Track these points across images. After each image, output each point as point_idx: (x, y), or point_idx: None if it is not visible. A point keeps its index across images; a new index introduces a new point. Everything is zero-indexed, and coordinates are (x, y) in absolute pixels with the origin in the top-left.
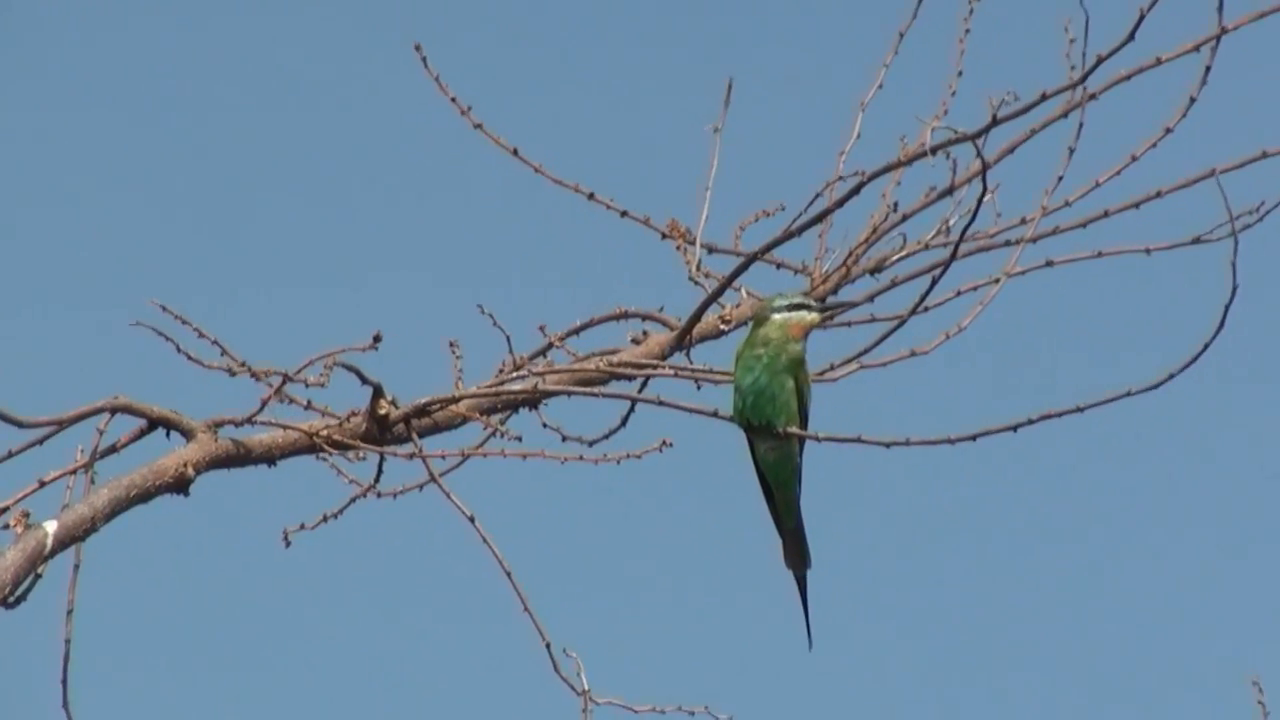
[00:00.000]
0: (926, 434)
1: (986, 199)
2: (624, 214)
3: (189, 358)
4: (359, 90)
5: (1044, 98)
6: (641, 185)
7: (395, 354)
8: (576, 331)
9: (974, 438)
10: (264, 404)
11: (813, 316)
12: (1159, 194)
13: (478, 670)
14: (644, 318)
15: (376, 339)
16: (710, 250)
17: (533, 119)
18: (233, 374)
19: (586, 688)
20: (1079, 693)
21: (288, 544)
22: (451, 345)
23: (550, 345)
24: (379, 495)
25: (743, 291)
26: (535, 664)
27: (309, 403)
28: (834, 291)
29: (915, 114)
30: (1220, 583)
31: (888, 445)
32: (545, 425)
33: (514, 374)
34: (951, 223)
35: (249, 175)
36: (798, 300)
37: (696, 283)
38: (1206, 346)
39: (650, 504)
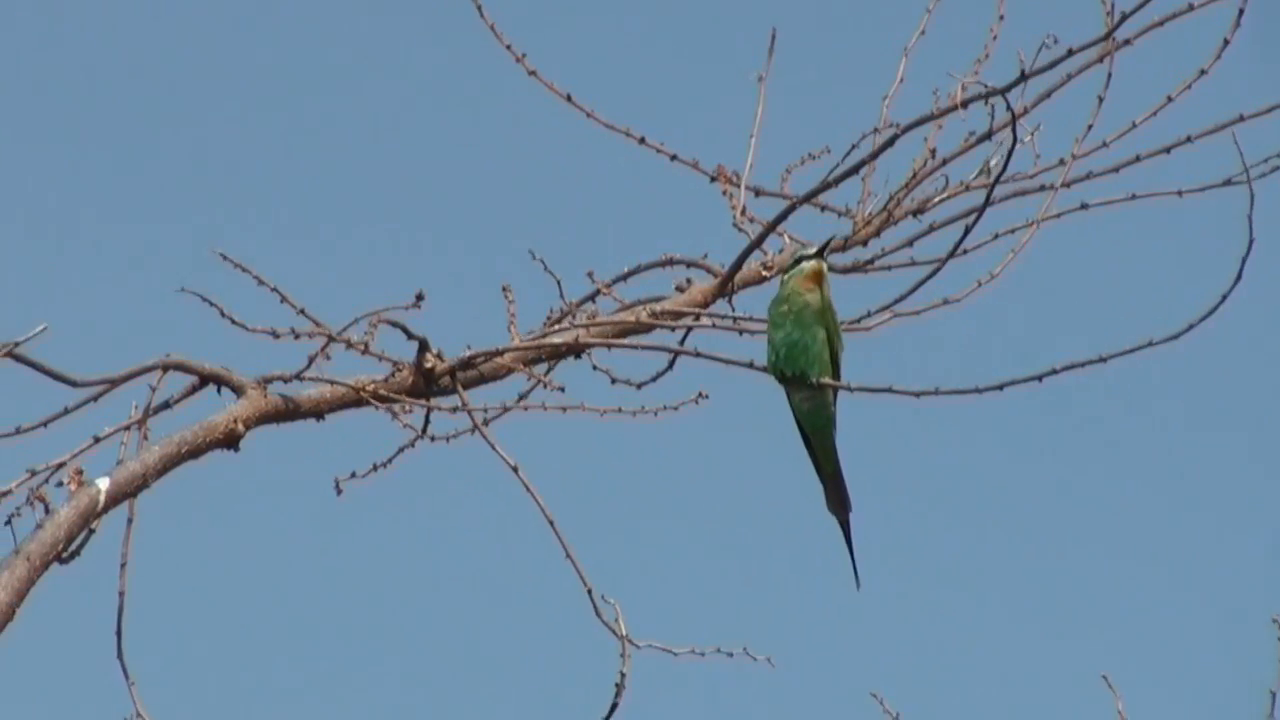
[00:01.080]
0: (957, 384)
1: (1028, 141)
2: (674, 158)
3: (232, 321)
4: (405, 41)
5: (1070, 53)
6: (688, 136)
7: (448, 298)
8: (624, 278)
9: (1000, 388)
10: (311, 360)
11: (811, 265)
12: (1189, 139)
13: (522, 616)
14: (689, 265)
15: (419, 297)
16: (758, 193)
17: (576, 68)
18: (277, 337)
19: (625, 633)
20: (1106, 630)
21: (340, 492)
22: (504, 290)
23: (598, 292)
24: (432, 439)
25: (785, 238)
26: (578, 609)
27: (366, 347)
28: (877, 234)
29: (955, 65)
30: (1244, 522)
31: (918, 395)
32: (595, 368)
33: (557, 326)
34: (993, 164)
35: (301, 121)
36: (800, 254)
37: (740, 229)
38: (1224, 298)
39: (694, 450)
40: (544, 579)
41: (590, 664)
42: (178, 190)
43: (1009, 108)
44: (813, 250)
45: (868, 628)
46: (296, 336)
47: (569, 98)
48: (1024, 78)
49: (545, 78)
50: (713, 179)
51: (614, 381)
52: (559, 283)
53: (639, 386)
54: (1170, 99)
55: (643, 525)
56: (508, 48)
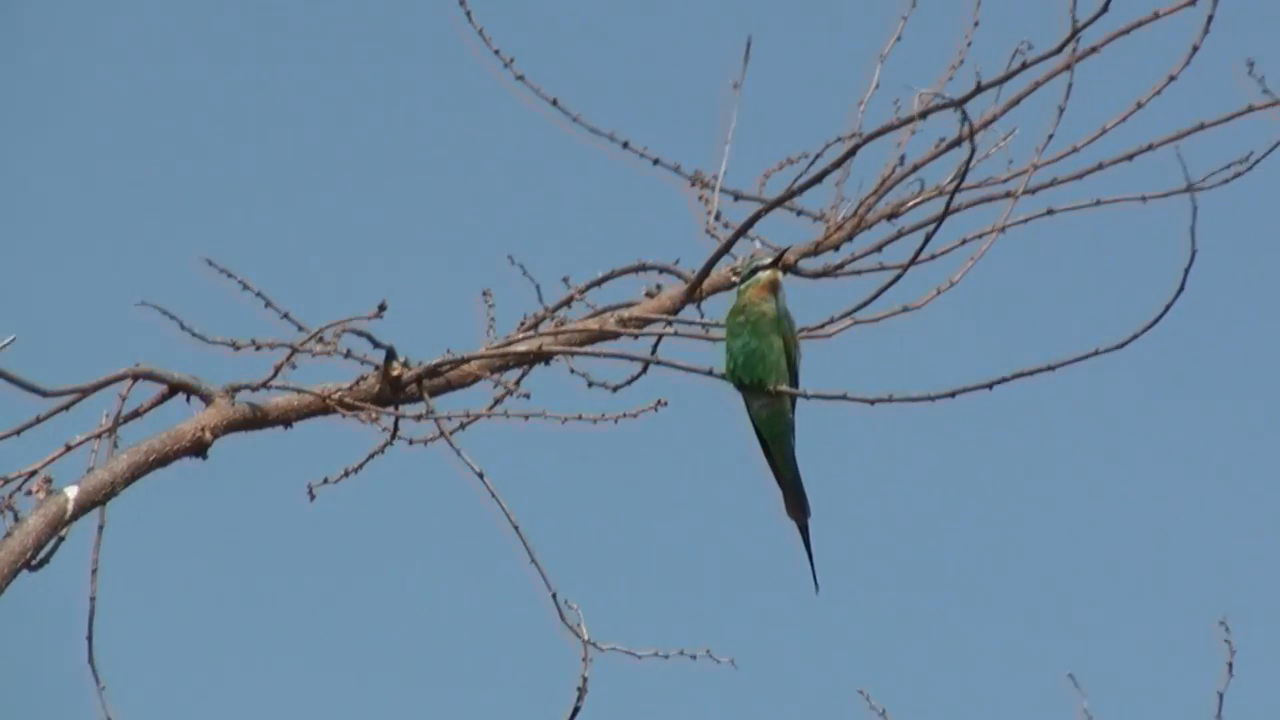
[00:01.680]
0: (919, 389)
1: (1002, 145)
2: (656, 162)
3: (192, 334)
4: (393, 44)
5: (1025, 65)
6: (669, 144)
7: (426, 301)
8: (598, 283)
9: (953, 395)
10: (277, 370)
11: (766, 275)
12: (1150, 147)
13: (490, 621)
14: (661, 270)
15: (382, 307)
16: (736, 197)
17: (552, 76)
18: (237, 349)
19: (588, 636)
20: (1056, 633)
21: (313, 496)
22: (485, 294)
23: (571, 298)
24: (410, 442)
25: (757, 242)
26: (545, 614)
27: (348, 352)
28: (849, 239)
29: (931, 69)
30: (1189, 525)
31: (872, 402)
32: (573, 371)
33: (529, 331)
34: (971, 165)
35: (287, 124)
36: (756, 264)
37: (713, 235)
38: (1168, 308)
39: (658, 456)
40: (511, 584)
41: (556, 668)
42: (149, 197)
43: (966, 119)
44: (768, 260)
45: (827, 630)
46: (257, 348)
47: (554, 102)
48: (980, 89)
49: (532, 82)
50: (692, 182)
51: (590, 385)
52: (538, 287)
53: (614, 389)
54: (1140, 104)
55: (608, 530)
56: (496, 53)
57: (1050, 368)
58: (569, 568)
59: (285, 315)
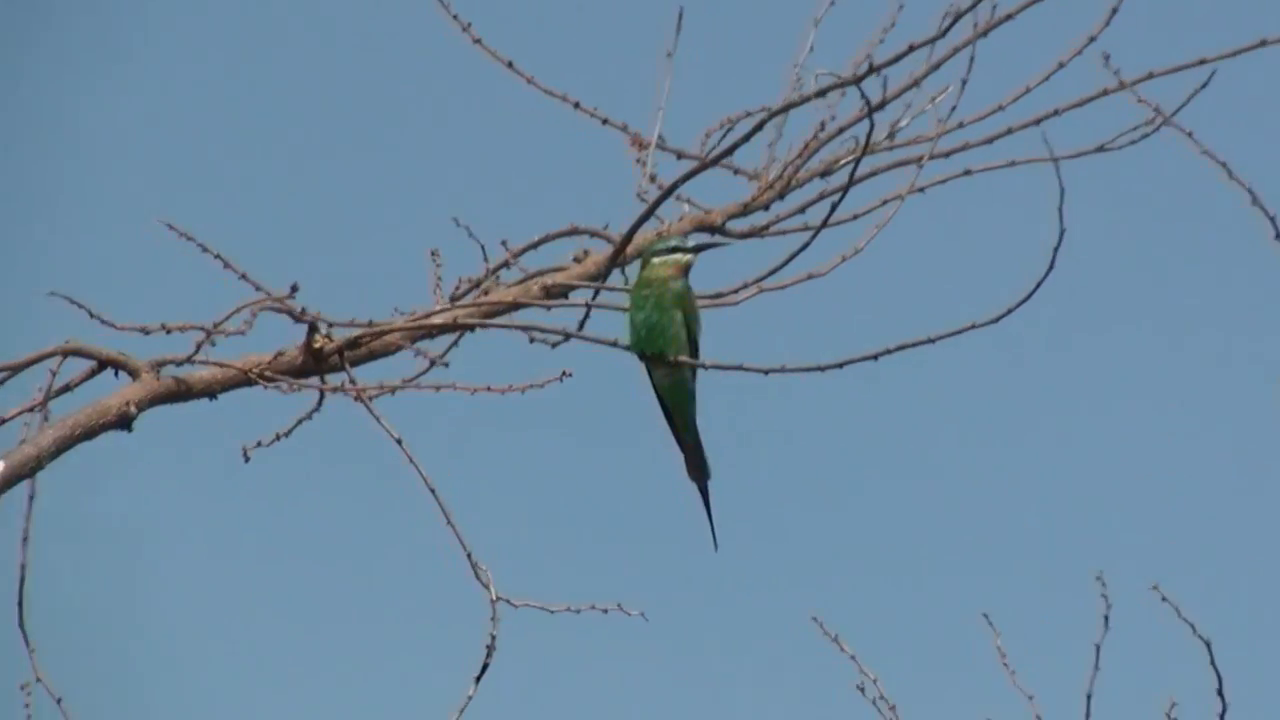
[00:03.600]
0: (803, 361)
1: (930, 107)
2: (605, 121)
3: (101, 321)
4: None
5: (911, 48)
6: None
7: (376, 260)
8: (533, 246)
9: (841, 365)
10: (199, 347)
11: (686, 257)
12: (1056, 112)
13: (407, 582)
14: (592, 234)
15: (294, 289)
16: (679, 155)
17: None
18: (147, 333)
19: (495, 595)
20: (938, 594)
21: (247, 459)
22: (432, 254)
23: (507, 262)
24: (354, 397)
25: (685, 206)
26: (460, 574)
27: (302, 310)
28: (780, 197)
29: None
30: (1062, 484)
31: (766, 372)
32: (516, 327)
33: (438, 308)
34: (902, 124)
35: (235, 85)
36: (673, 244)
37: (642, 199)
38: (1038, 286)
39: (567, 421)
40: (430, 546)
41: (472, 626)
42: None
43: (864, 96)
44: (690, 245)
45: (726, 584)
46: (168, 332)
47: (510, 64)
48: (873, 70)
49: (488, 46)
50: (633, 142)
51: (532, 340)
52: (483, 248)
53: (554, 345)
54: (1062, 64)
55: (522, 492)
56: (454, 17)
57: (930, 340)
58: (485, 530)
59: (243, 276)
